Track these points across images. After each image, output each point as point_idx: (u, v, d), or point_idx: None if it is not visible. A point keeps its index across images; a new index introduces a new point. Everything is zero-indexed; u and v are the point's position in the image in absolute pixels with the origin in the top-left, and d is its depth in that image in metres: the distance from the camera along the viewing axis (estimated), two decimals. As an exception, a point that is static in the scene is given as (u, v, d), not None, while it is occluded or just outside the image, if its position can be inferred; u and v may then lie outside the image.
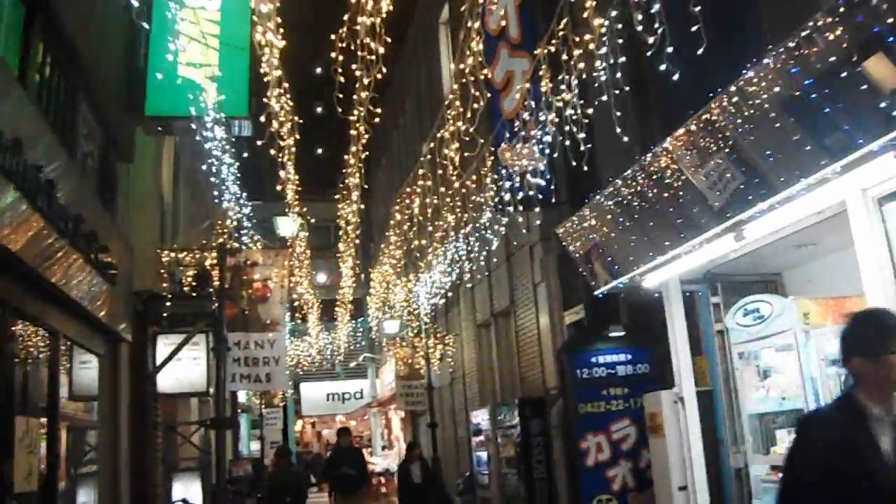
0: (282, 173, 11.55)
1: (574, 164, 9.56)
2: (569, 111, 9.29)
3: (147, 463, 12.57)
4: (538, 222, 16.20)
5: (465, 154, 11.04)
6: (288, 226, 15.56)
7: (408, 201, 13.83)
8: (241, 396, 30.70)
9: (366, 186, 37.11)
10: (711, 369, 9.94)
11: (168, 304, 12.21)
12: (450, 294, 19.76)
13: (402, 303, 21.53)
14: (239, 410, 30.03)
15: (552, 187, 12.97)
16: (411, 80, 28.88)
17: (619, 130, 8.20)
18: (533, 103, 10.74)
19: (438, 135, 10.81)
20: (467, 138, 10.61)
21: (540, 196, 12.26)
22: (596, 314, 12.84)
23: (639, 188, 8.92)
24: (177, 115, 11.70)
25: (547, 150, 11.23)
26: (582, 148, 9.30)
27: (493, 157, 12.76)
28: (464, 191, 12.43)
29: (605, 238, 9.91)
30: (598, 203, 9.87)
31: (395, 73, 31.45)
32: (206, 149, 12.05)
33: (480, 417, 19.08)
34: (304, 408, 42.16)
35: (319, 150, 32.19)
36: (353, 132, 10.51)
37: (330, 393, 41.71)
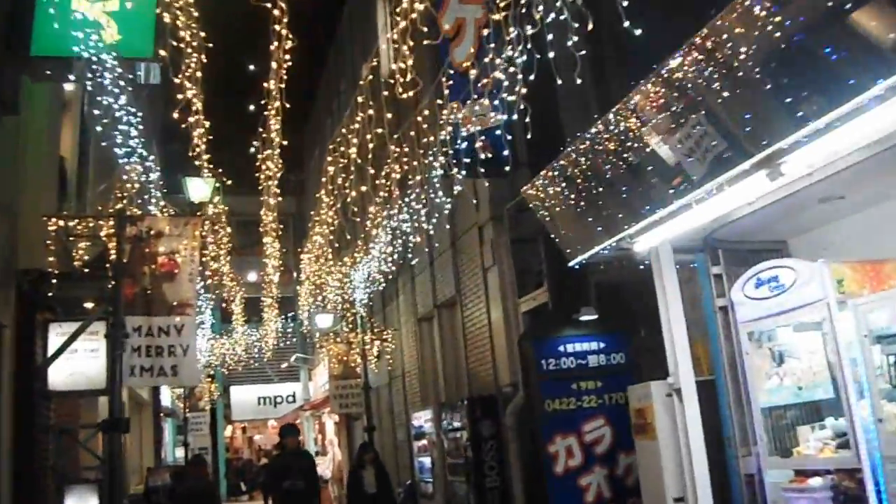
0: (192, 119, 9.51)
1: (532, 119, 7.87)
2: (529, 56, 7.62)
3: (33, 473, 10.59)
4: (489, 198, 14.59)
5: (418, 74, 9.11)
6: (199, 188, 13.02)
7: (343, 148, 11.80)
8: (165, 399, 28.62)
9: (293, 178, 35.34)
10: (713, 354, 8.20)
11: (55, 283, 10.20)
12: (390, 277, 17.89)
13: (335, 289, 19.45)
14: (162, 414, 27.99)
15: (510, 151, 11.35)
16: (346, 64, 27.12)
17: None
18: (488, 55, 9.04)
19: (384, 46, 8.96)
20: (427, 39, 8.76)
21: (499, 155, 10.57)
22: (562, 296, 11.08)
23: (629, 133, 7.20)
24: (68, 55, 9.71)
25: (504, 107, 9.67)
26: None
27: (442, 116, 11.01)
28: (412, 133, 10.59)
29: (584, 194, 8.10)
30: (575, 155, 8.09)
31: (329, 60, 29.85)
32: (111, 100, 10.07)
33: (423, 419, 17.32)
34: (235, 412, 40.11)
35: (252, 149, 30.48)
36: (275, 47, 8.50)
37: (261, 396, 39.79)
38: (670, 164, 6.74)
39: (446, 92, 10.17)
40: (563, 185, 8.35)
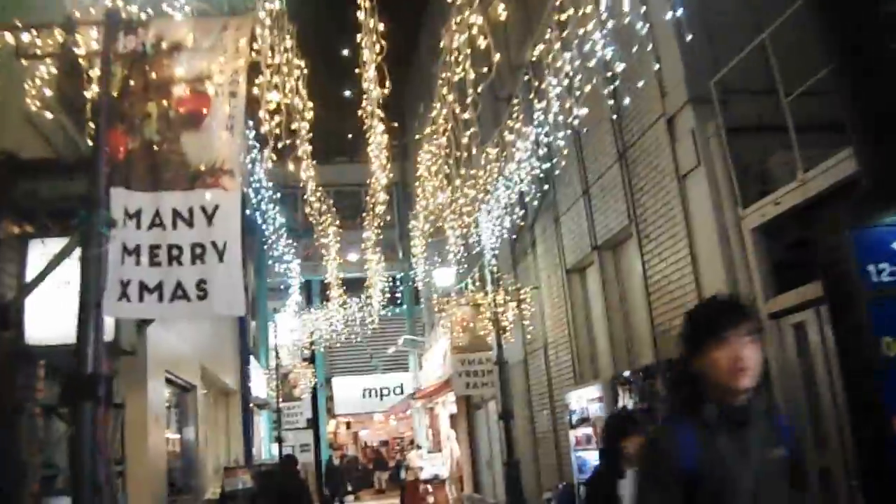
0: None
1: None
2: None
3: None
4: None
5: None
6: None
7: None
8: (259, 388, 24.79)
9: (395, 143, 31.93)
10: None
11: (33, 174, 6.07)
12: (525, 221, 13.58)
13: (460, 221, 14.94)
14: (253, 405, 24.21)
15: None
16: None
17: None
18: None
19: None
20: None
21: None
22: (884, 169, 6.30)
23: None
24: None
25: None
26: None
27: None
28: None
29: None
30: None
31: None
32: None
33: (585, 399, 12.80)
34: (338, 406, 37.46)
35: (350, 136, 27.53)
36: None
37: (366, 388, 37.08)
38: None
39: None
40: None
